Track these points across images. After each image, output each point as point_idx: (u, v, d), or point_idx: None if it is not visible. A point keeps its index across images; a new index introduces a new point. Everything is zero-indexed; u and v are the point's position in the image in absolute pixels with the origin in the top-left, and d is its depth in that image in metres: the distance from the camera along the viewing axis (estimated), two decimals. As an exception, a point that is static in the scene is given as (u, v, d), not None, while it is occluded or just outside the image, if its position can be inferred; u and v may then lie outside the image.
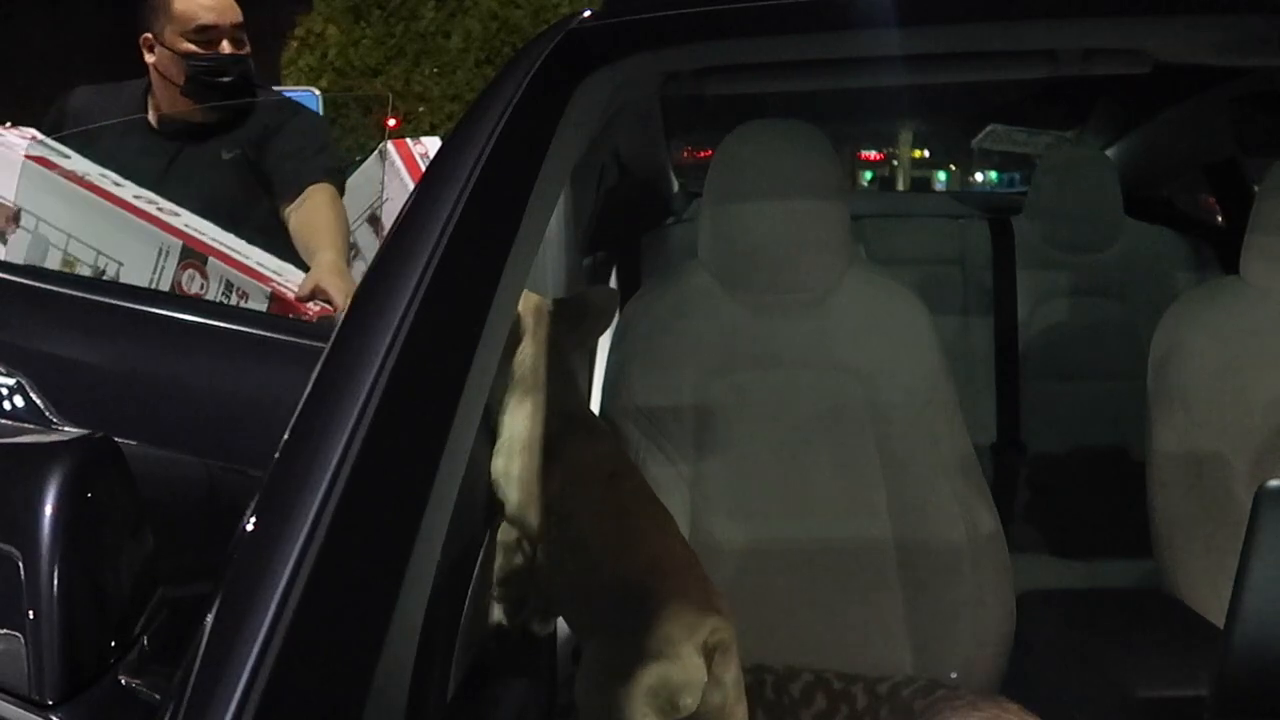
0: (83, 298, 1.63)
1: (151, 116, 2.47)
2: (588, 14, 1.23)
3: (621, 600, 1.31)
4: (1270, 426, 1.65)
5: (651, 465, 1.64)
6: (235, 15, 2.39)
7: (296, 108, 2.67)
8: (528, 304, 1.48)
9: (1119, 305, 2.89)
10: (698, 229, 1.82)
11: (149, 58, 2.40)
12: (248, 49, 2.43)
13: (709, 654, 1.27)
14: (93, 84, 2.57)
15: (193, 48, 2.34)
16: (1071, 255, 3.01)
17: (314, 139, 2.51)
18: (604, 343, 1.82)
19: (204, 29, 2.34)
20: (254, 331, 1.62)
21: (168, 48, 2.36)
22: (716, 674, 1.28)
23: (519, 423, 1.41)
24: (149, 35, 2.38)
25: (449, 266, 0.88)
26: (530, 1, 14.29)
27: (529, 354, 1.42)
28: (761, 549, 1.63)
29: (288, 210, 2.36)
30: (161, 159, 2.41)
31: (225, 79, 2.38)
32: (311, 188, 2.34)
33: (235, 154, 2.46)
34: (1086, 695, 1.48)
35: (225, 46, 2.37)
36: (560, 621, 1.48)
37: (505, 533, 1.40)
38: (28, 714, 0.92)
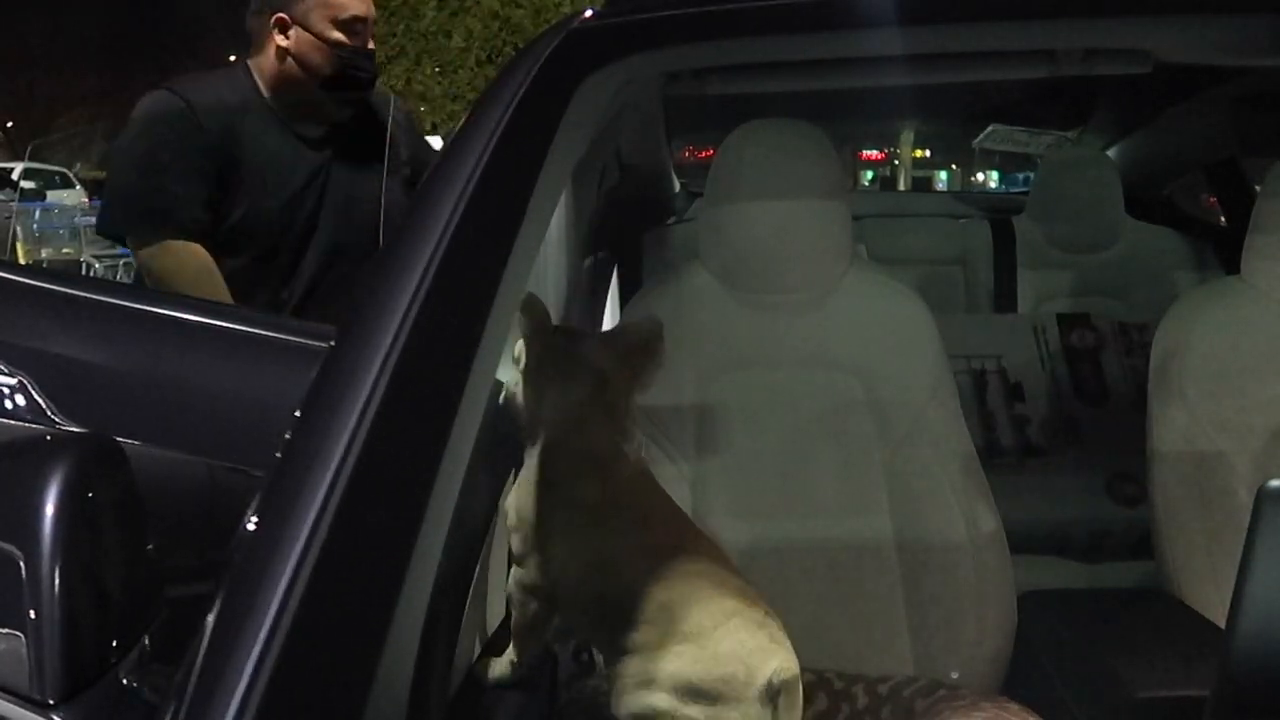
0: (84, 297, 1.62)
1: (266, 95, 2.27)
2: (589, 13, 1.23)
3: (669, 630, 1.24)
4: (1271, 426, 1.65)
5: (653, 464, 1.64)
6: (373, 9, 2.30)
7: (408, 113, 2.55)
8: (542, 343, 1.42)
9: (1120, 305, 2.89)
10: (699, 228, 1.82)
11: (280, 40, 2.22)
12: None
13: (774, 696, 1.21)
14: (190, 76, 2.33)
15: (341, 37, 2.20)
16: (1073, 255, 3.02)
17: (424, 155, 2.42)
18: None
19: (356, 20, 2.22)
20: (255, 331, 1.62)
21: (314, 34, 2.20)
22: (781, 715, 1.21)
23: (535, 458, 1.35)
24: (284, 16, 2.21)
25: (451, 266, 0.88)
26: (532, 1, 14.30)
27: (568, 399, 1.36)
28: (762, 548, 1.63)
29: None
30: (307, 165, 2.26)
31: (366, 75, 2.26)
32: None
33: (404, 173, 2.31)
34: (1088, 695, 1.48)
35: (370, 43, 2.27)
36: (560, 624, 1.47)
37: (520, 568, 1.36)
38: (29, 713, 0.92)
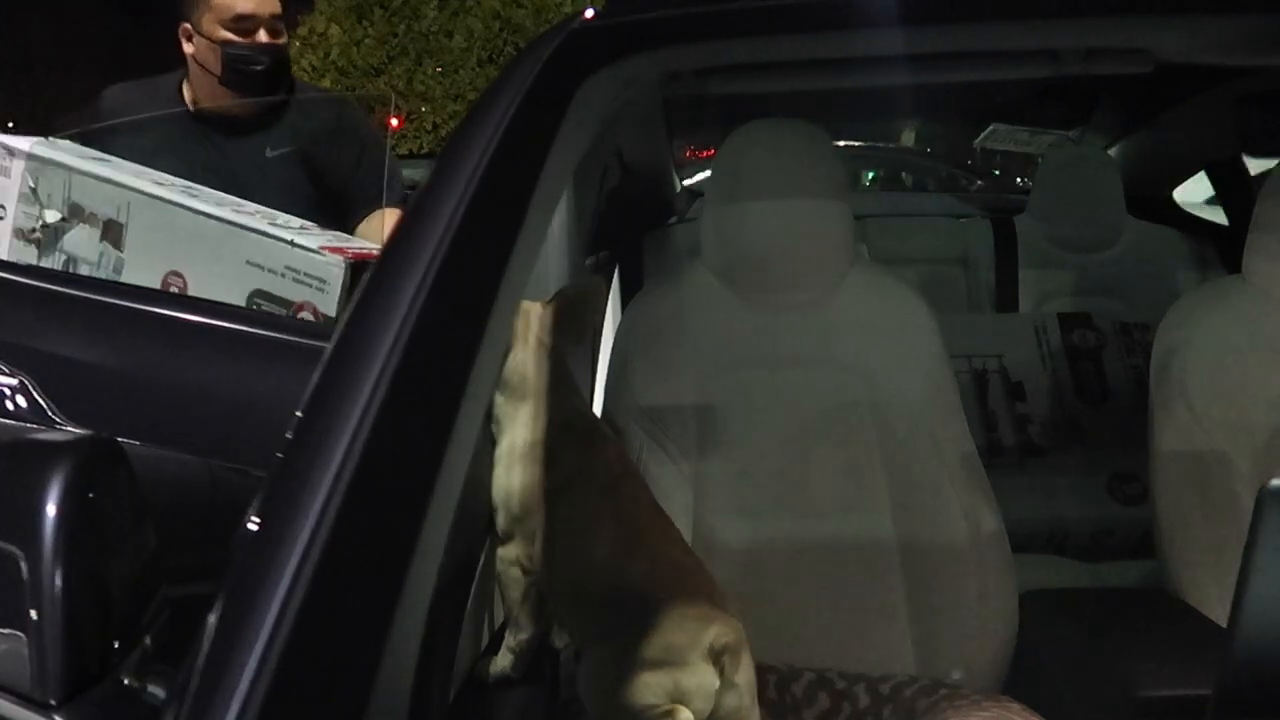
0: (85, 298, 1.63)
1: (190, 107, 2.43)
2: (590, 14, 1.23)
3: (625, 608, 1.31)
4: (1272, 425, 1.65)
5: (654, 464, 1.64)
6: (274, 6, 2.37)
7: (354, 114, 2.65)
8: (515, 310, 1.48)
9: (1121, 304, 2.89)
10: (700, 228, 1.82)
11: (187, 48, 2.38)
12: (284, 40, 2.40)
13: (717, 658, 1.27)
14: (127, 82, 2.53)
15: (230, 36, 2.32)
16: (1074, 254, 3.02)
17: (380, 154, 2.48)
18: (607, 342, 1.82)
19: (242, 18, 2.32)
20: (256, 331, 1.62)
21: (205, 37, 2.33)
22: (729, 677, 1.28)
23: (516, 433, 1.41)
24: (187, 25, 2.36)
25: (452, 265, 0.88)
26: (533, 1, 14.31)
27: (519, 360, 1.43)
28: (764, 548, 1.63)
29: (359, 227, 2.35)
30: (200, 151, 2.37)
31: (260, 68, 2.35)
32: (387, 210, 2.32)
33: (284, 151, 2.42)
34: (1089, 694, 1.48)
35: (262, 36, 2.34)
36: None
37: (505, 544, 1.40)
38: (30, 714, 0.92)
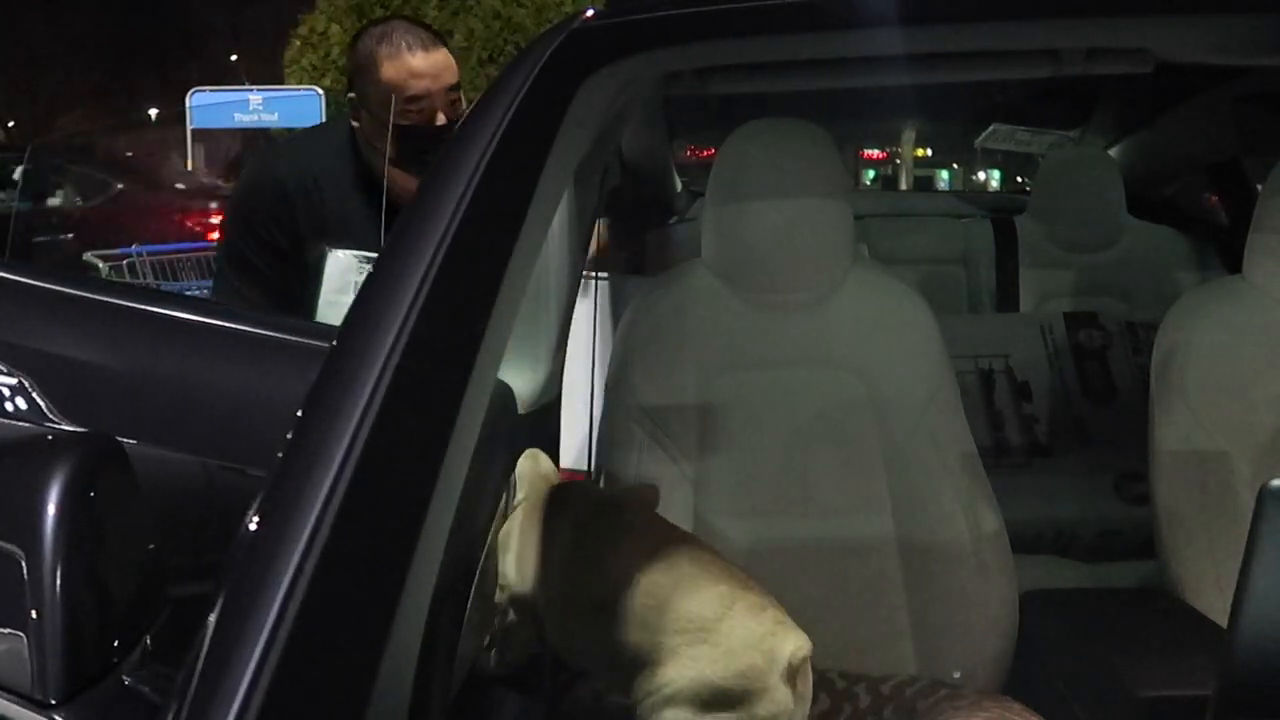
0: (84, 297, 1.62)
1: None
2: (591, 13, 1.23)
3: (685, 639, 1.21)
4: (1273, 425, 1.65)
5: (654, 464, 1.64)
6: (450, 77, 2.11)
7: None
8: (536, 482, 1.45)
9: (1122, 304, 2.89)
10: (701, 228, 1.82)
11: (354, 122, 2.16)
12: (462, 108, 2.11)
13: (793, 675, 1.20)
14: (286, 135, 2.35)
15: (403, 120, 2.04)
16: (1074, 254, 3.02)
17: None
18: (607, 342, 1.82)
19: (415, 99, 2.07)
20: (257, 331, 1.61)
21: (374, 116, 2.08)
22: (800, 691, 1.21)
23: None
24: (354, 97, 2.15)
25: (453, 265, 0.88)
26: (533, 1, 14.30)
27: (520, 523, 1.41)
28: (764, 548, 1.63)
29: None
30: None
31: (436, 153, 2.03)
32: None
33: None
34: (1089, 695, 1.48)
35: (440, 117, 2.09)
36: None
37: (508, 609, 1.38)
38: (31, 714, 0.92)
